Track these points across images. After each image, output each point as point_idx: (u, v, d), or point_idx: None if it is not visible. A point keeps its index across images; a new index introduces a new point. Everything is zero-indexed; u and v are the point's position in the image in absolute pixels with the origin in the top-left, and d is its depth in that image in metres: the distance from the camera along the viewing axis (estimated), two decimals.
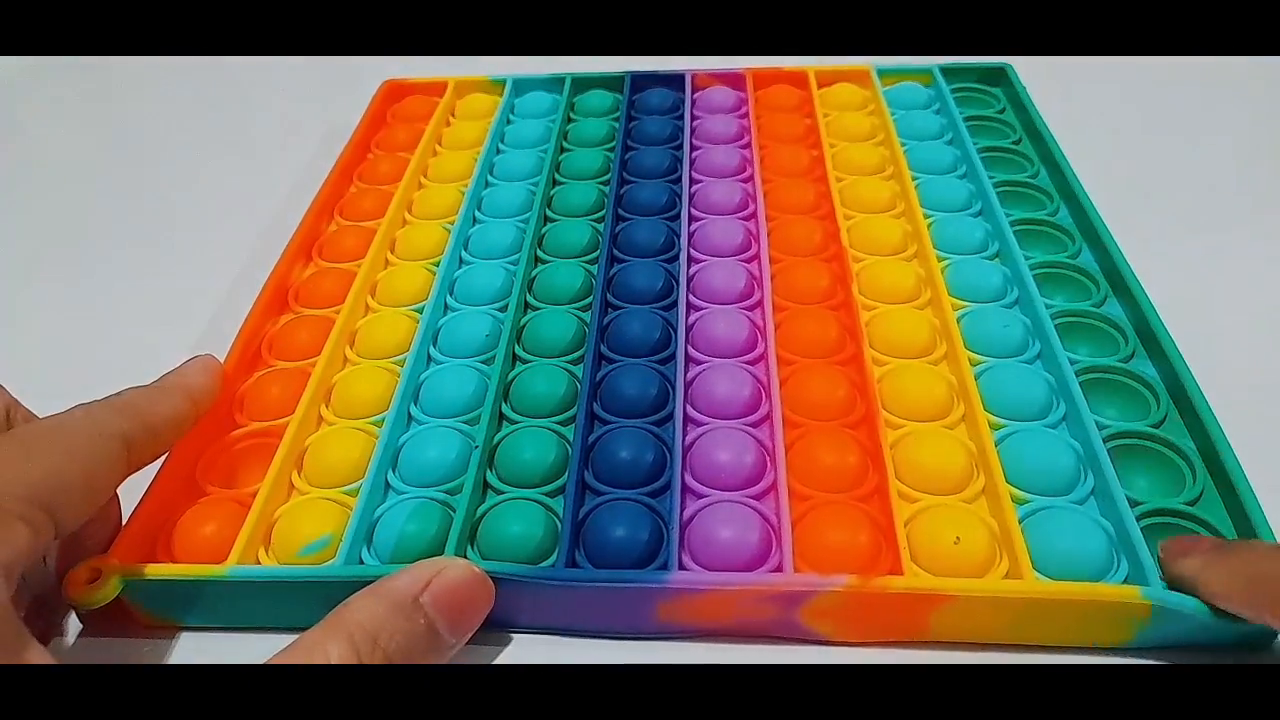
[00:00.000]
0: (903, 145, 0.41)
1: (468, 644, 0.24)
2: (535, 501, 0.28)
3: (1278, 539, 0.25)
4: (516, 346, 0.33)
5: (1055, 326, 0.31)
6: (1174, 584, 0.24)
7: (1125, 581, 0.25)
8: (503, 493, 0.28)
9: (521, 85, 0.47)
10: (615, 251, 0.37)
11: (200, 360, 0.29)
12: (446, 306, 0.35)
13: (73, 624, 0.27)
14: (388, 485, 0.29)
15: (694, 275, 0.35)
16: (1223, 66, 0.48)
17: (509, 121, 0.46)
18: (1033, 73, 0.44)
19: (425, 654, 0.23)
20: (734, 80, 0.46)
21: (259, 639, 0.25)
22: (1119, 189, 0.38)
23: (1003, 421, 0.29)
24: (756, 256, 0.36)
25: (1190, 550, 0.24)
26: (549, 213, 0.39)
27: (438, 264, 0.36)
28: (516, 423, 0.30)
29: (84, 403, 0.25)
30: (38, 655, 0.20)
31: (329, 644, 0.21)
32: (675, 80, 0.46)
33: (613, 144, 0.43)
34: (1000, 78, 0.45)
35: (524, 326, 0.34)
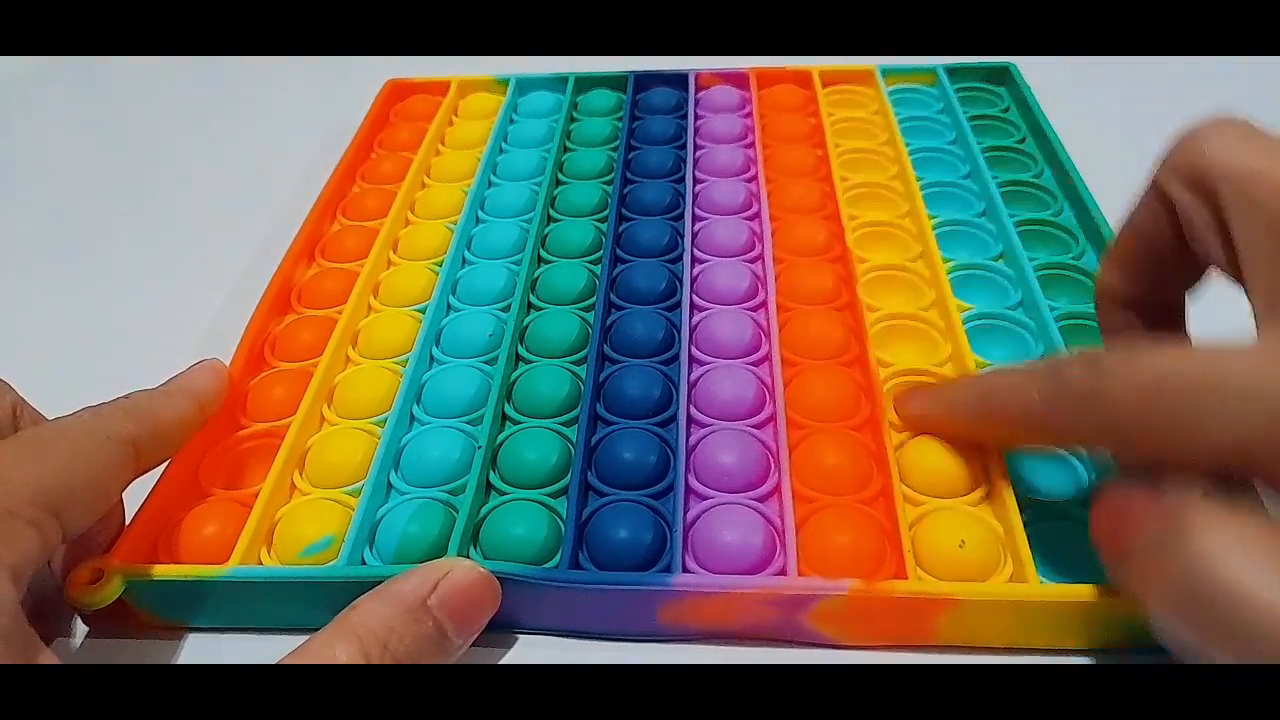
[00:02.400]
0: (906, 145, 0.41)
1: (470, 644, 0.24)
2: (538, 503, 0.28)
3: None
4: (519, 347, 0.33)
5: (1059, 329, 0.31)
6: (909, 426, 0.28)
7: None
8: (505, 494, 0.28)
9: (525, 85, 0.47)
10: (618, 251, 0.36)
11: (206, 364, 0.29)
12: (449, 306, 0.35)
13: (78, 626, 0.27)
14: (390, 486, 0.29)
15: (697, 276, 0.35)
16: (1227, 66, 0.48)
17: (512, 121, 0.46)
18: (1037, 72, 0.44)
19: (433, 656, 0.23)
20: (738, 80, 0.46)
21: (263, 640, 0.25)
22: (1123, 189, 0.38)
23: None
24: (760, 257, 0.36)
25: (913, 393, 0.28)
26: (552, 212, 0.39)
27: (440, 264, 0.36)
28: (519, 423, 0.30)
29: (91, 405, 0.25)
30: (44, 657, 0.20)
31: (337, 647, 0.21)
32: (679, 80, 0.46)
33: (616, 143, 0.43)
34: (1005, 77, 0.45)
35: (527, 327, 0.34)
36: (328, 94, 0.53)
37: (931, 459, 0.28)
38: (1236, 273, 0.21)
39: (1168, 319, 0.25)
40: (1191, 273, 0.24)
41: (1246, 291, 0.21)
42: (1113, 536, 0.21)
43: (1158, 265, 0.24)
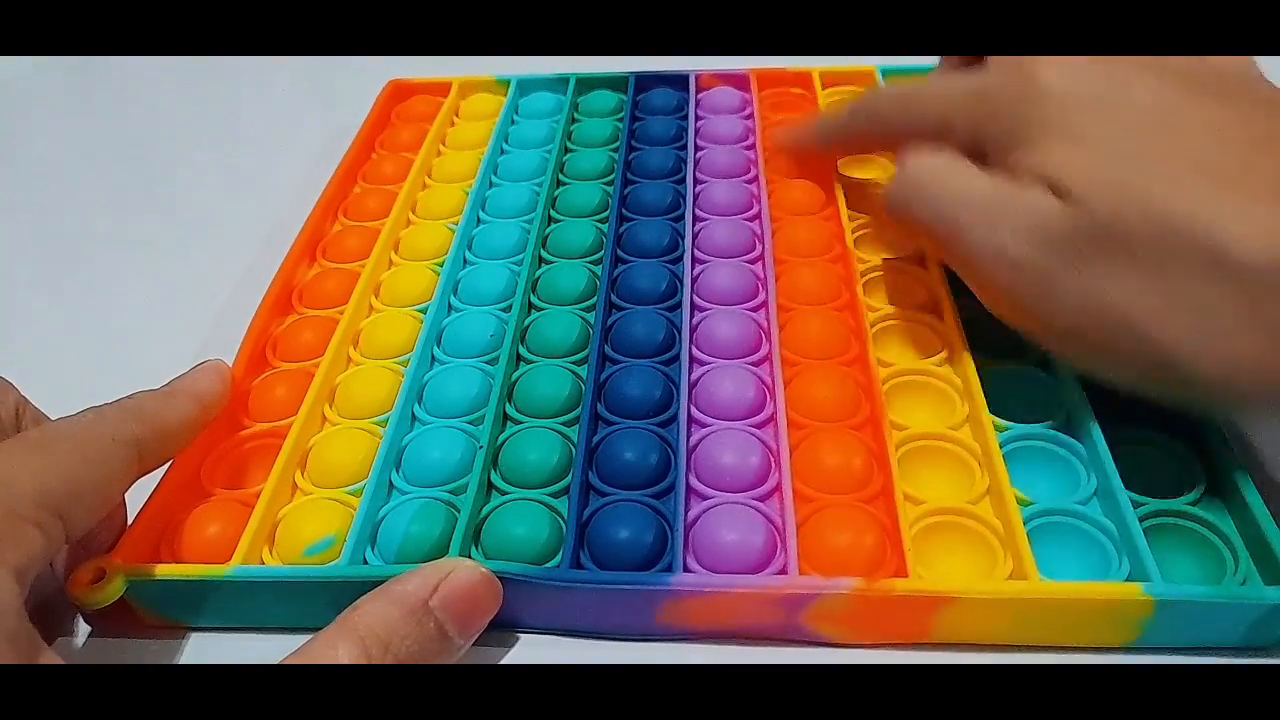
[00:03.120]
0: None
1: (472, 644, 0.24)
2: (539, 503, 0.28)
3: None
4: (520, 347, 0.33)
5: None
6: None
7: (1128, 579, 0.25)
8: (507, 494, 0.28)
9: (526, 85, 0.47)
10: (619, 252, 0.36)
11: (209, 365, 0.29)
12: (450, 307, 0.35)
13: (81, 625, 0.27)
14: (391, 486, 0.29)
15: (698, 276, 0.35)
16: None
17: (513, 122, 0.46)
18: None
19: (434, 656, 0.23)
20: (738, 81, 0.46)
21: (265, 640, 0.25)
22: None
23: (1007, 424, 0.29)
24: (761, 257, 0.36)
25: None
26: (553, 213, 0.39)
27: (441, 264, 0.36)
28: (520, 423, 0.30)
29: (94, 406, 0.25)
30: (46, 657, 0.20)
31: (339, 647, 0.21)
32: (679, 81, 0.46)
33: (617, 144, 0.43)
34: None
35: (528, 327, 0.34)
36: (328, 94, 0.53)
37: (932, 459, 0.28)
38: None
39: None
40: None
41: None
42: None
43: None
